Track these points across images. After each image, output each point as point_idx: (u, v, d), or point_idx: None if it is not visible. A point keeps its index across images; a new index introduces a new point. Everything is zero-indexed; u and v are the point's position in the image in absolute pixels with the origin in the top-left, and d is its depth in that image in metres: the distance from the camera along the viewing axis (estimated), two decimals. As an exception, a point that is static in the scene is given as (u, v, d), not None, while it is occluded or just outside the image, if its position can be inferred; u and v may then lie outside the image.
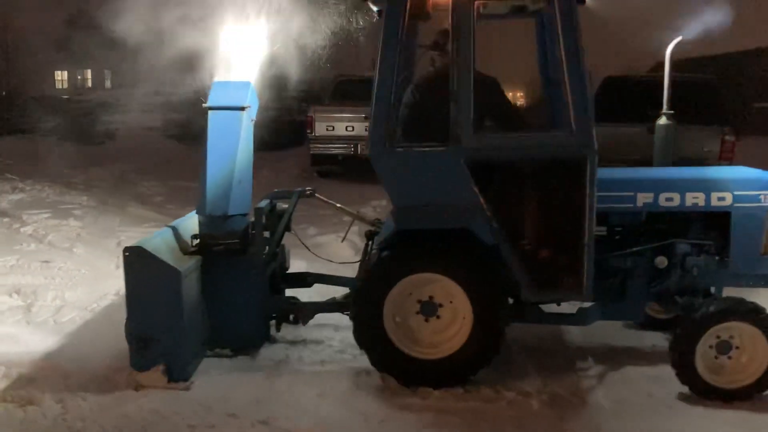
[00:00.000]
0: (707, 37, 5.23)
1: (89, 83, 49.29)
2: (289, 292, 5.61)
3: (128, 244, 4.54)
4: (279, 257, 5.32)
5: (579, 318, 4.77)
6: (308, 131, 14.00)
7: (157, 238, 4.74)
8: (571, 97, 4.24)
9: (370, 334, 4.49)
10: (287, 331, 5.34)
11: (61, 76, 48.04)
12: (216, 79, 4.94)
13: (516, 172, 4.43)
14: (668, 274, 4.76)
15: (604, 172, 4.87)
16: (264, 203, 5.11)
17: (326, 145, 13.86)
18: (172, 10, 5.20)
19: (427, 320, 4.57)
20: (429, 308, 4.54)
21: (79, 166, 15.15)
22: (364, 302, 4.49)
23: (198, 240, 4.88)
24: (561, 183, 4.36)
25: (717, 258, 4.75)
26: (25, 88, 30.75)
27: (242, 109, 4.94)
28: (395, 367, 4.51)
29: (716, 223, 4.73)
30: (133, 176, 14.72)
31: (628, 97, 10.06)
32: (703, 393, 4.34)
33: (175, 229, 4.94)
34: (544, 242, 4.49)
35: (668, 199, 4.67)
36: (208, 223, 4.89)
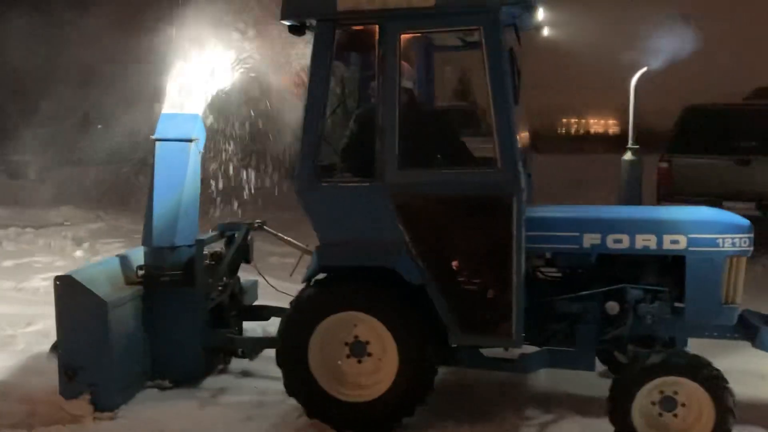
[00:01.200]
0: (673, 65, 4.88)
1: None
2: (253, 325, 5.58)
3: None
4: (231, 289, 5.27)
5: (521, 364, 4.48)
6: None
7: (96, 268, 4.83)
8: (497, 133, 4.04)
9: (297, 378, 4.36)
10: (238, 363, 5.31)
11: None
12: (164, 111, 5.00)
13: (445, 210, 4.24)
14: (620, 321, 4.43)
15: (550, 211, 4.63)
16: (207, 236, 5.11)
17: None
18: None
19: (359, 361, 4.41)
20: (358, 349, 4.39)
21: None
22: (288, 344, 4.37)
23: (143, 271, 4.92)
24: (488, 222, 4.14)
25: (673, 306, 4.38)
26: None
27: (190, 141, 4.98)
28: (324, 411, 4.36)
29: (671, 268, 4.37)
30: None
31: (713, 127, 9.62)
32: None
33: (124, 259, 5.01)
34: (472, 284, 4.26)
35: (617, 241, 4.35)
36: (154, 253, 4.93)
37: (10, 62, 16.34)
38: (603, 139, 45.82)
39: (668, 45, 4.54)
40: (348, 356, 4.41)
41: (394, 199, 4.17)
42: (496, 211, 4.07)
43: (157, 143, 4.93)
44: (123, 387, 4.64)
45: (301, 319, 4.33)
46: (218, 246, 5.35)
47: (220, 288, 5.16)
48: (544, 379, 5.06)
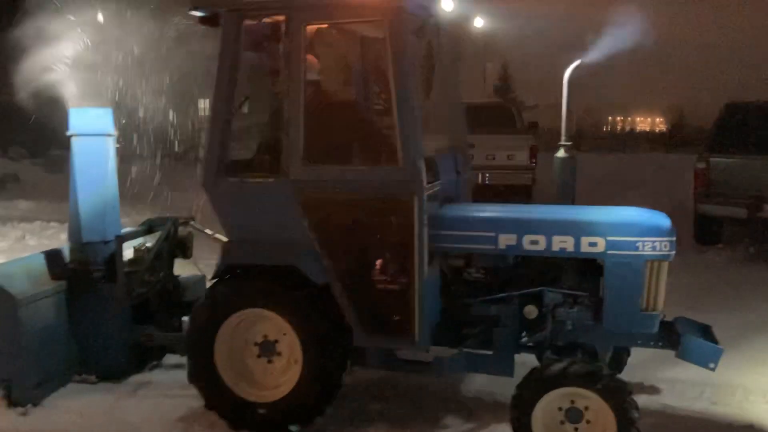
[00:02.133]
0: (608, 60, 4.59)
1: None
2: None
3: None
4: (161, 285, 5.20)
5: (434, 368, 4.32)
6: None
7: (18, 263, 4.82)
8: (399, 130, 3.88)
9: (201, 372, 4.30)
10: (174, 359, 5.26)
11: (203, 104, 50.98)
12: (70, 106, 4.93)
13: (348, 207, 4.09)
14: (539, 325, 4.24)
15: (466, 209, 4.45)
16: (126, 230, 5.06)
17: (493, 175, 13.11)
18: None
19: (269, 361, 4.32)
20: (267, 348, 4.30)
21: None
22: (194, 336, 4.31)
23: (66, 266, 4.89)
24: (390, 221, 3.98)
25: (595, 312, 4.17)
26: None
27: (109, 135, 4.94)
28: (224, 407, 4.29)
29: (592, 272, 4.15)
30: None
31: (754, 125, 9.33)
32: None
33: (51, 254, 4.98)
34: (375, 284, 4.11)
35: (533, 242, 4.15)
36: (78, 249, 4.90)
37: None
38: (648, 137, 45.01)
39: (605, 41, 4.30)
40: (258, 356, 4.33)
41: (299, 196, 4.05)
42: (397, 210, 3.92)
43: (74, 138, 4.87)
44: (39, 382, 4.62)
45: (207, 314, 4.26)
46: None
47: (148, 283, 5.08)
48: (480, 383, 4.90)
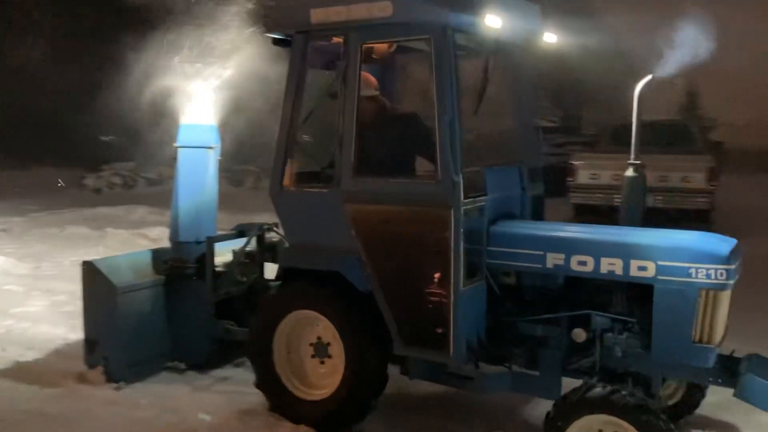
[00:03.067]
0: (682, 74, 4.21)
1: (490, 125, 52.71)
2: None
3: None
4: (247, 285, 5.60)
5: (478, 384, 4.29)
6: (569, 179, 12.95)
7: (126, 257, 5.48)
8: (439, 145, 3.95)
9: (262, 372, 4.61)
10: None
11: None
12: (182, 122, 5.51)
13: (391, 219, 4.21)
14: (587, 350, 4.07)
15: (518, 226, 4.39)
16: (220, 234, 5.53)
17: (589, 195, 12.75)
18: None
19: (322, 362, 4.56)
20: (320, 349, 4.53)
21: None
22: (254, 338, 4.63)
23: (167, 263, 5.48)
24: (429, 234, 4.04)
25: (641, 339, 3.93)
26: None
27: (210, 148, 5.47)
28: (282, 405, 4.56)
29: (642, 298, 3.92)
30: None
31: None
32: None
33: (158, 251, 5.60)
34: (413, 296, 4.17)
35: (581, 263, 4.01)
36: (175, 248, 5.48)
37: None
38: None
39: (676, 54, 3.99)
40: (312, 356, 4.57)
41: (347, 206, 4.26)
42: (436, 223, 3.98)
43: (180, 150, 5.47)
44: (133, 363, 5.20)
45: (265, 316, 4.58)
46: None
47: (239, 283, 5.52)
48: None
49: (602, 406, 3.57)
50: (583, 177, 12.75)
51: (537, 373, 4.19)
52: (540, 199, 5.01)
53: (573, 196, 12.95)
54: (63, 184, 19.67)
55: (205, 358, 5.42)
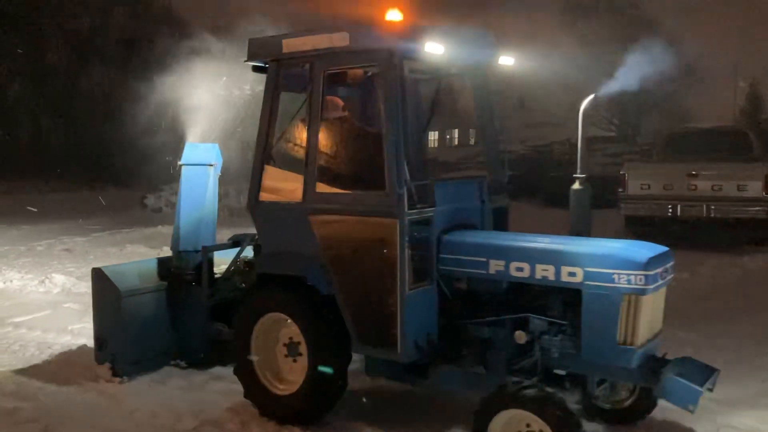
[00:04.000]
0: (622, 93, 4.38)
1: (456, 141, 53.32)
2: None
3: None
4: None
5: (431, 382, 4.62)
6: (620, 190, 12.74)
7: (133, 265, 6.05)
8: (387, 159, 4.35)
9: (241, 364, 5.07)
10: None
11: (433, 136, 53.39)
12: (187, 141, 6.08)
13: (348, 228, 4.60)
14: (529, 350, 4.36)
15: (468, 235, 4.71)
16: (214, 244, 6.04)
17: (640, 206, 12.59)
18: None
19: (294, 360, 4.98)
20: (292, 348, 4.95)
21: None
22: (237, 335, 5.10)
23: (169, 269, 6.04)
24: (379, 241, 4.41)
25: (573, 341, 4.19)
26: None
27: (210, 165, 6.01)
28: (255, 396, 5.01)
29: (572, 302, 4.19)
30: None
31: None
32: None
33: (163, 259, 6.16)
34: (367, 298, 4.54)
35: (518, 269, 4.32)
36: (176, 256, 6.03)
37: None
38: None
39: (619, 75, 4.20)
40: (286, 355, 5.00)
41: (311, 218, 4.68)
42: (384, 232, 4.36)
43: (183, 167, 6.03)
44: (136, 360, 5.75)
45: (243, 317, 5.05)
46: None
47: (238, 289, 6.00)
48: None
49: (515, 401, 3.87)
50: (634, 187, 12.52)
51: (485, 372, 4.49)
52: (504, 210, 5.31)
53: (623, 208, 12.73)
54: (104, 203, 20.76)
55: (206, 357, 5.92)
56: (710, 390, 4.17)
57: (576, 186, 4.80)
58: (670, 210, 12.12)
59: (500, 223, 5.29)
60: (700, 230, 12.20)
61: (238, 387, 5.24)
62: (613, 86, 4.53)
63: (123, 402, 5.35)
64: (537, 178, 22.19)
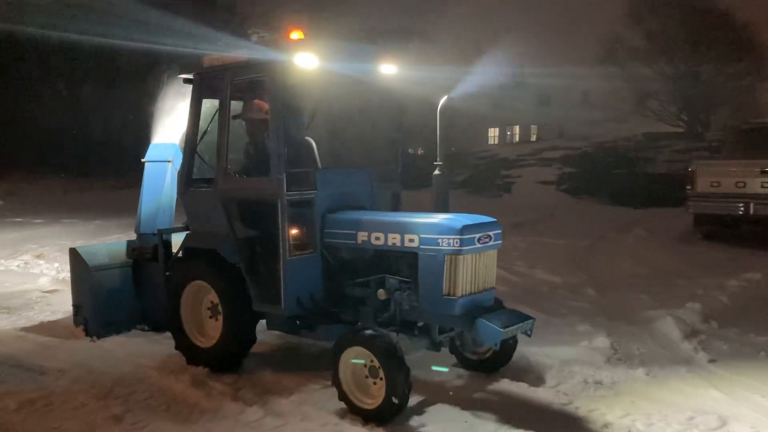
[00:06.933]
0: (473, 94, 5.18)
1: (516, 138, 52.62)
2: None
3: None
4: None
5: (317, 334, 5.64)
6: (688, 187, 12.52)
7: (106, 245, 7.28)
8: (272, 151, 5.41)
9: (173, 322, 6.18)
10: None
11: (493, 133, 52.90)
12: (153, 141, 7.25)
13: (247, 208, 5.69)
14: (389, 306, 5.33)
15: (347, 214, 5.69)
16: (169, 227, 7.19)
17: (709, 204, 12.24)
18: None
19: (216, 319, 6.07)
20: (214, 310, 6.04)
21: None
22: (168, 299, 6.21)
23: (133, 250, 7.23)
24: (267, 218, 5.46)
25: (417, 296, 5.14)
26: (463, 145, 34.75)
27: (168, 162, 7.17)
28: (183, 347, 6.12)
29: (414, 263, 5.14)
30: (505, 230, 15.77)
31: None
32: (353, 411, 4.89)
33: (131, 241, 7.36)
34: (261, 265, 5.60)
35: (377, 239, 5.30)
36: (139, 238, 7.22)
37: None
38: None
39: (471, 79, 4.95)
40: (210, 317, 6.09)
41: (222, 200, 5.77)
42: (271, 210, 5.40)
43: (147, 164, 7.22)
44: (106, 324, 6.96)
45: (172, 286, 6.17)
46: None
47: None
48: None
49: (354, 340, 4.85)
50: (702, 185, 12.22)
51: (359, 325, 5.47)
52: (397, 195, 6.29)
53: (692, 206, 12.51)
54: None
55: (163, 323, 7.06)
56: (528, 335, 5.07)
57: (436, 172, 5.72)
58: (742, 208, 11.76)
59: (396, 207, 6.27)
60: (745, 230, 12.09)
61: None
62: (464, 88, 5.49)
63: (91, 352, 6.58)
64: (600, 175, 22.25)
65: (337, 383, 4.96)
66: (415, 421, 4.82)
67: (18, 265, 11.40)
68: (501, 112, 43.45)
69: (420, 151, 34.18)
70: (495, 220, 5.19)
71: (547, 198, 21.83)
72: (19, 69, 32.83)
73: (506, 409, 5.04)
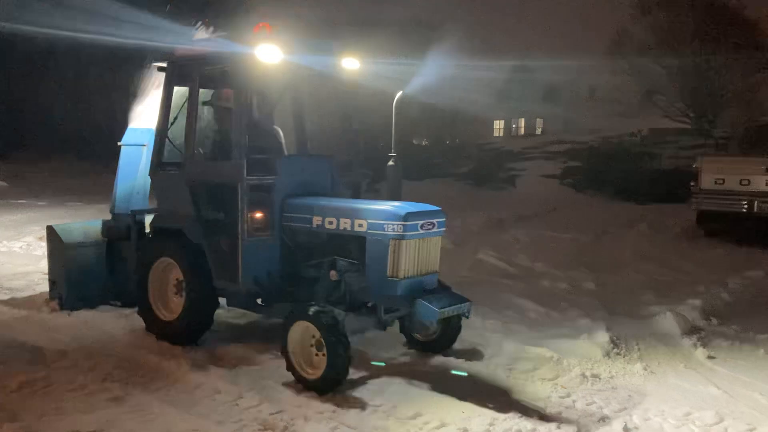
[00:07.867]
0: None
1: (522, 131, 52.51)
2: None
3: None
4: None
5: (273, 311, 6.00)
6: (692, 184, 12.58)
7: (83, 224, 7.61)
8: (233, 139, 5.75)
9: (141, 298, 6.53)
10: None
11: (498, 125, 52.13)
12: (130, 126, 7.57)
13: (210, 190, 6.03)
14: (340, 286, 5.69)
15: (305, 200, 6.02)
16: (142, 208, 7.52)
17: (713, 201, 12.25)
18: None
19: (181, 295, 6.41)
20: (179, 286, 6.39)
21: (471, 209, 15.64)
22: (137, 276, 6.56)
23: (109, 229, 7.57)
24: (228, 200, 5.81)
25: (364, 277, 5.50)
26: (468, 137, 34.62)
27: (143, 146, 7.51)
28: (148, 322, 6.48)
29: (362, 246, 5.50)
30: (508, 223, 15.15)
31: None
32: (299, 381, 5.26)
33: (106, 221, 7.68)
34: (221, 244, 5.95)
35: (330, 223, 5.67)
36: (114, 218, 7.55)
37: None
38: None
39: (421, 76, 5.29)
40: (176, 293, 6.44)
41: (188, 183, 6.12)
42: (232, 193, 5.75)
43: (123, 147, 7.55)
44: (80, 298, 7.29)
45: (140, 263, 6.52)
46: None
47: None
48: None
49: (300, 315, 5.21)
50: (707, 182, 12.25)
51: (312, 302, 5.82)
52: (357, 184, 6.65)
53: (695, 202, 12.55)
54: None
55: (134, 299, 7.41)
56: (466, 317, 5.44)
57: (390, 163, 6.08)
58: (746, 206, 11.80)
59: (356, 194, 6.63)
60: (753, 230, 12.05)
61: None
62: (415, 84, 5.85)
63: (67, 318, 6.96)
64: (605, 170, 22.11)
65: (285, 354, 5.32)
66: (410, 410, 4.84)
67: (21, 247, 11.60)
68: (506, 104, 43.47)
69: (424, 143, 34.28)
70: (440, 208, 5.54)
71: (551, 192, 21.76)
72: (25, 55, 32.97)
73: (502, 400, 5.08)
